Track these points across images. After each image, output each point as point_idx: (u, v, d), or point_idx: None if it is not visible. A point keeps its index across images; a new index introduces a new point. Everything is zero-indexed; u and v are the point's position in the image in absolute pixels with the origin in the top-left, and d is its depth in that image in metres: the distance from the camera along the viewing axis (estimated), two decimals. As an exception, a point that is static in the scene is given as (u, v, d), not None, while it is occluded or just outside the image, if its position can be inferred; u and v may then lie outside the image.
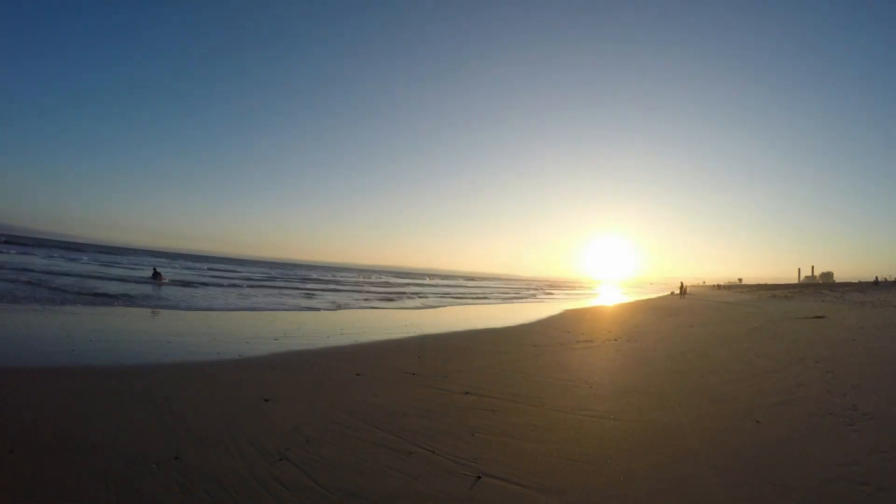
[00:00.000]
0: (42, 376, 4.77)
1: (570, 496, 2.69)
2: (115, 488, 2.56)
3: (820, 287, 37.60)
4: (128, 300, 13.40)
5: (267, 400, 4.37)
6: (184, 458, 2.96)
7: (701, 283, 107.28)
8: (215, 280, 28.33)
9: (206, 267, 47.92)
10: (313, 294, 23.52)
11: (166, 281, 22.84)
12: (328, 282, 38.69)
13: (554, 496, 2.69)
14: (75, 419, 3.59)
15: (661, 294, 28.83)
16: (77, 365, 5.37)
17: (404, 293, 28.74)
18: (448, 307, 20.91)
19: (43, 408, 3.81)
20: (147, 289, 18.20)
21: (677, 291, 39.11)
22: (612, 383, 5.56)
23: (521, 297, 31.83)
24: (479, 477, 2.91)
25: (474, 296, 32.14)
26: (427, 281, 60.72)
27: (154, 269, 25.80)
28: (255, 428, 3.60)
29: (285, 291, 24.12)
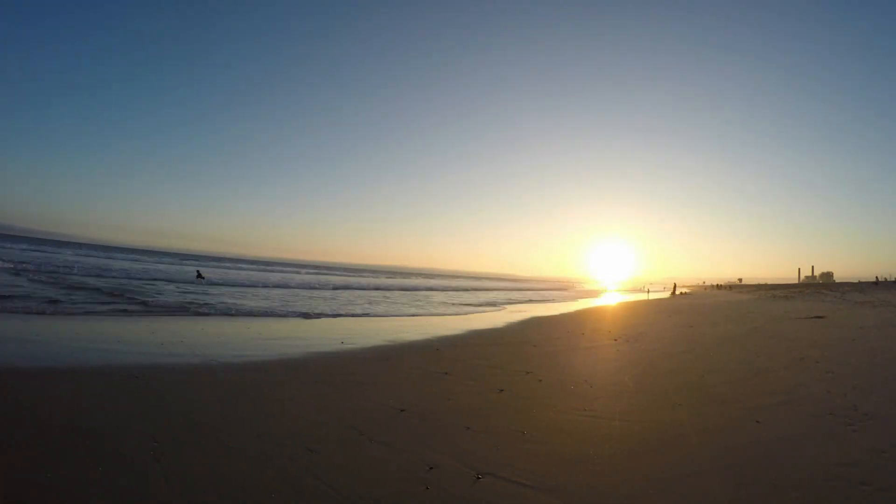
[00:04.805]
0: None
1: (570, 496, 2.69)
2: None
3: (820, 287, 37.64)
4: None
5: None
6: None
7: (701, 283, 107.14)
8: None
9: (240, 268, 48.33)
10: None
11: (204, 280, 23.46)
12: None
13: (554, 496, 2.69)
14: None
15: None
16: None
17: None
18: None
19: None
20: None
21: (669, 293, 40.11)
22: (612, 383, 5.56)
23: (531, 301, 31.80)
24: (479, 477, 2.91)
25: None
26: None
27: (198, 271, 26.49)
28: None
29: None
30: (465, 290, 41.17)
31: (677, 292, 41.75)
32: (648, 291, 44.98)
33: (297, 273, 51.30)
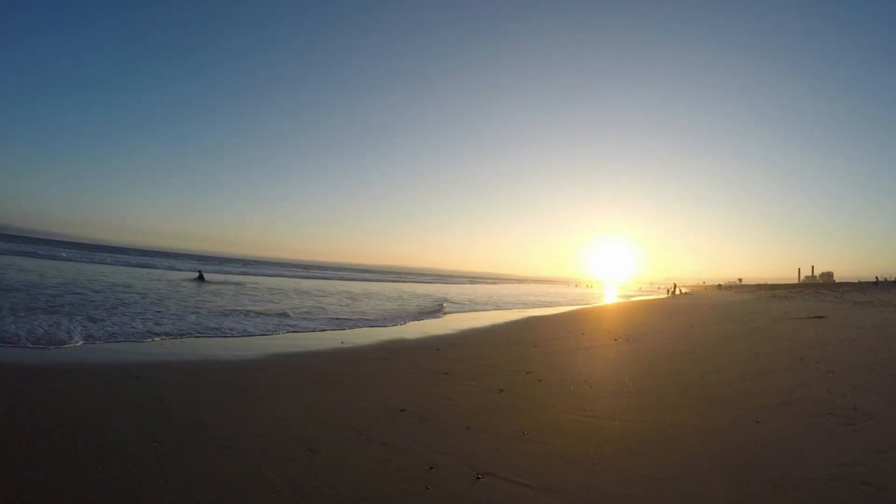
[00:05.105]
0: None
1: (569, 496, 2.69)
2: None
3: (820, 287, 37.64)
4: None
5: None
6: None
7: (701, 283, 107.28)
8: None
9: (237, 270, 45.53)
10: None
11: (206, 281, 23.46)
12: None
13: (554, 496, 2.69)
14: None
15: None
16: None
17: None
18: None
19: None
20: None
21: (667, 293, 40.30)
22: (612, 383, 5.56)
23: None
24: (479, 477, 2.91)
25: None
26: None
27: (199, 272, 26.59)
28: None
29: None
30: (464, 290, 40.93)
31: (676, 292, 41.85)
32: (658, 289, 44.75)
33: (311, 277, 45.38)
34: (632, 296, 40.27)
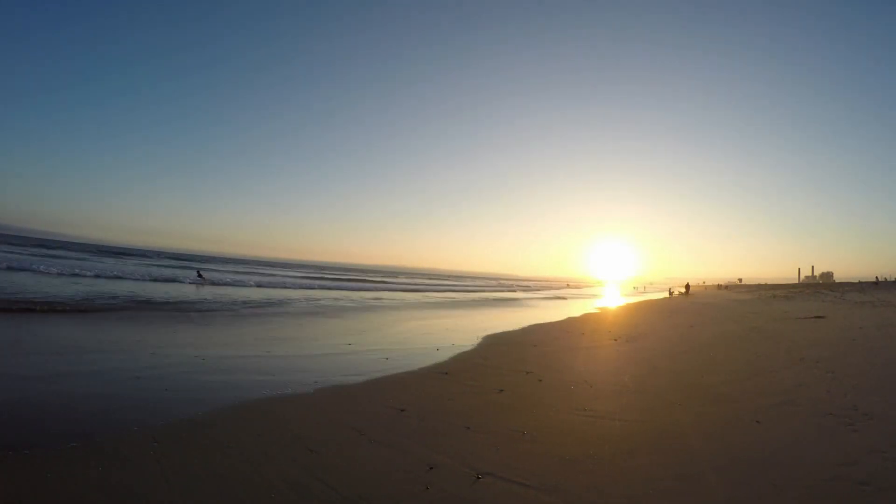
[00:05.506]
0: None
1: (569, 496, 2.69)
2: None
3: (820, 287, 37.62)
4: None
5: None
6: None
7: (702, 283, 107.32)
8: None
9: (244, 270, 45.61)
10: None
11: (207, 281, 23.39)
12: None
13: (554, 496, 2.69)
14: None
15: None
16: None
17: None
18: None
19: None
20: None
21: (676, 293, 39.89)
22: (613, 383, 5.56)
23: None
24: (479, 477, 2.91)
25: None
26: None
27: (198, 271, 26.57)
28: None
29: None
30: (463, 290, 40.83)
31: (674, 293, 41.64)
32: (671, 293, 41.34)
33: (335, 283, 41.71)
34: (630, 296, 40.19)
